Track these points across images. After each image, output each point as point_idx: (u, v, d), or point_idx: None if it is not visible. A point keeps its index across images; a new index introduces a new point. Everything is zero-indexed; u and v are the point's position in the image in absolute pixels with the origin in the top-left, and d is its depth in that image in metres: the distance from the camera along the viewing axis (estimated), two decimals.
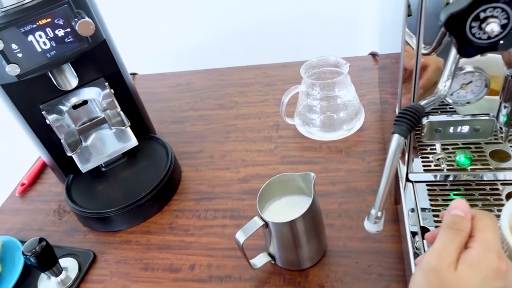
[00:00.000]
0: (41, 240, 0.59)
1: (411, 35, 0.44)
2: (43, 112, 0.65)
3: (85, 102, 0.71)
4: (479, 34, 0.32)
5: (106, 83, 0.69)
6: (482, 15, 0.31)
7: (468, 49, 0.33)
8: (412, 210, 0.53)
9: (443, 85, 0.40)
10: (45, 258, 0.59)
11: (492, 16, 0.31)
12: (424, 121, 0.48)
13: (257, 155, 0.77)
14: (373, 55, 0.95)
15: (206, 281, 0.59)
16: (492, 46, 0.32)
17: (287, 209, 0.56)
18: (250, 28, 1.11)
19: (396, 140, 0.37)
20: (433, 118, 0.47)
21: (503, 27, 0.31)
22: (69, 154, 0.68)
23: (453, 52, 0.39)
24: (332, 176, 0.69)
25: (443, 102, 0.47)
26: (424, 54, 0.44)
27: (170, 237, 0.66)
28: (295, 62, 0.94)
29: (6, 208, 0.80)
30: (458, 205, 0.36)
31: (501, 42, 0.32)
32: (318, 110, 0.74)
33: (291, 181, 0.57)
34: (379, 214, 0.41)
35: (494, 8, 0.31)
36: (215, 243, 0.64)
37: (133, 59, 1.01)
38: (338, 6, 1.03)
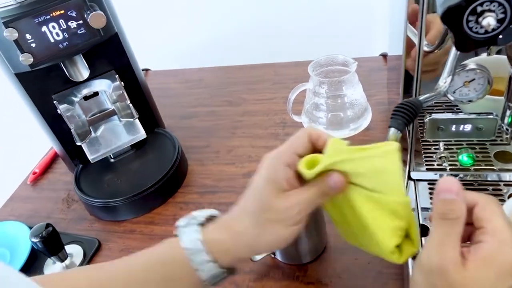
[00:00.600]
0: (48, 225, 0.60)
1: (416, 32, 0.44)
2: (54, 102, 0.67)
3: (96, 94, 0.73)
4: (476, 28, 0.32)
5: (117, 76, 0.70)
6: (479, 9, 0.31)
7: (465, 43, 0.33)
8: (413, 210, 0.53)
9: (444, 81, 0.40)
10: (52, 243, 0.61)
11: (489, 10, 0.31)
12: (426, 118, 0.48)
13: (263, 151, 0.76)
14: (384, 56, 0.94)
15: None
16: (489, 41, 0.32)
17: None
18: (264, 26, 1.11)
19: (392, 134, 0.37)
20: (435, 115, 0.47)
21: (500, 21, 0.31)
22: (78, 143, 0.69)
23: (453, 48, 0.38)
24: None
25: (450, 101, 0.47)
26: (427, 52, 0.44)
27: (173, 228, 0.67)
28: (306, 61, 0.94)
29: (18, 195, 0.82)
30: (448, 186, 0.31)
31: (500, 36, 0.32)
32: (324, 108, 0.74)
33: None
34: None
35: (491, 2, 0.31)
36: None
37: (146, 55, 1.03)
38: (351, 6, 1.03)
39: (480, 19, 0.31)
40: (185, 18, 1.15)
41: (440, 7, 0.31)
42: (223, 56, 1.17)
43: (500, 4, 0.30)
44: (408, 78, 0.45)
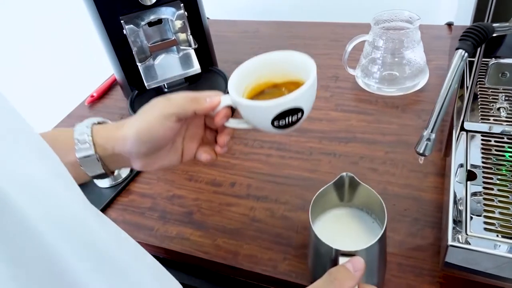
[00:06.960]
0: None
1: None
2: (122, 22, 0.70)
3: (159, 22, 0.76)
4: None
5: (182, 5, 0.72)
6: None
7: None
8: (461, 166, 0.51)
9: None
10: None
11: None
12: (491, 62, 0.46)
13: None
14: (449, 25, 0.91)
15: (243, 197, 0.62)
16: None
17: (340, 224, 0.49)
18: None
19: (459, 55, 0.36)
20: (501, 59, 0.46)
21: None
22: (138, 63, 0.72)
23: None
24: (384, 127, 0.69)
25: None
26: None
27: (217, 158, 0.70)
28: (363, 23, 0.93)
29: (75, 113, 0.88)
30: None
31: None
32: (381, 63, 0.73)
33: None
34: (432, 136, 0.40)
35: None
36: (257, 168, 0.66)
37: (208, 3, 1.04)
38: None
39: None
40: None
41: None
42: (284, 12, 1.17)
43: None
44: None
